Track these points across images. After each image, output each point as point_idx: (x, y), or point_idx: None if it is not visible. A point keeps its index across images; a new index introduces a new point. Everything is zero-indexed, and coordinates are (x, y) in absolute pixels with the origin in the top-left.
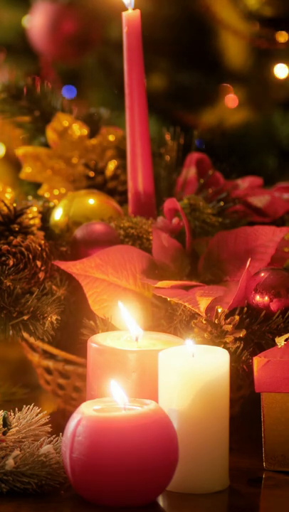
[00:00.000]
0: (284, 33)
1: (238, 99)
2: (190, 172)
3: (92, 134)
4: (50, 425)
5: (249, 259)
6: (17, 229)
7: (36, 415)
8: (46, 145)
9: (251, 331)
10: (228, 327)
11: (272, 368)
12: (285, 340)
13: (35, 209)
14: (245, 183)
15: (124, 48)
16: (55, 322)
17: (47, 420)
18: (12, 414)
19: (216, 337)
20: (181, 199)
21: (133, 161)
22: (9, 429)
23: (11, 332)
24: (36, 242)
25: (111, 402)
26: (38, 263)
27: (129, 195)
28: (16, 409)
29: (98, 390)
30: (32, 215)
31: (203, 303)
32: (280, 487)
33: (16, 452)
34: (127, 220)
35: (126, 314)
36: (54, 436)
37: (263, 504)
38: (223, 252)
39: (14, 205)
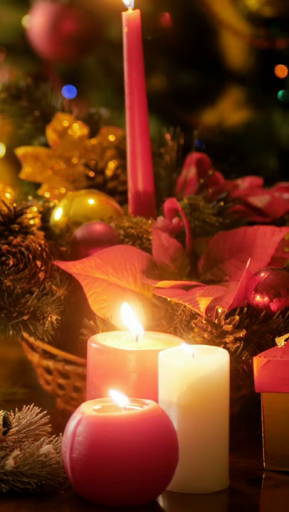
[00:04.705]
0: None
1: (238, 99)
2: (190, 172)
3: (92, 134)
4: (50, 425)
5: (249, 259)
6: (17, 229)
7: (36, 415)
8: (46, 145)
9: (251, 331)
10: (228, 327)
11: (272, 368)
12: (285, 340)
13: (35, 209)
14: (245, 183)
15: (124, 48)
16: (55, 322)
17: (47, 420)
18: (12, 414)
19: (216, 337)
20: (181, 199)
21: (133, 161)
22: (9, 429)
23: (11, 332)
24: (36, 242)
25: (111, 402)
26: (38, 263)
27: (129, 195)
28: (16, 409)
29: (98, 390)
30: (32, 215)
31: (203, 303)
32: (280, 487)
33: (16, 452)
34: (127, 220)
35: (127, 314)
36: (54, 436)
37: (263, 504)
38: (223, 252)
39: (14, 205)
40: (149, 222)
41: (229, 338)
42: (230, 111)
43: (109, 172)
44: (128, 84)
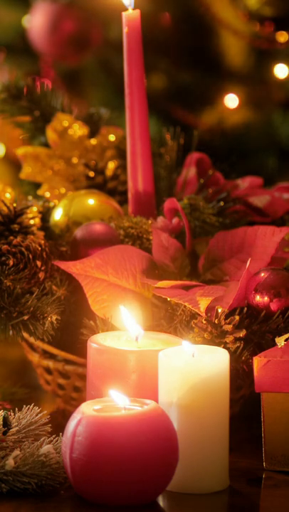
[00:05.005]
0: (284, 33)
1: (238, 99)
2: (190, 172)
3: (92, 134)
4: (50, 425)
5: (249, 259)
6: (17, 229)
7: (36, 415)
8: (46, 145)
9: (251, 331)
10: (228, 327)
11: (272, 368)
12: (285, 340)
13: (35, 209)
14: (245, 183)
15: (124, 48)
16: (55, 322)
17: (47, 420)
18: (12, 414)
19: (216, 337)
20: (181, 199)
21: (133, 161)
22: (9, 429)
23: (11, 332)
24: (36, 242)
25: (111, 402)
26: (38, 263)
27: (129, 195)
28: (16, 409)
29: (98, 390)
30: (32, 215)
31: (203, 303)
32: (280, 487)
33: (16, 452)
34: (127, 220)
35: (126, 314)
36: (54, 436)
37: (263, 504)
38: (223, 252)
39: (14, 205)
40: (149, 222)
41: (229, 338)
42: (230, 111)
43: (109, 172)
44: (128, 84)
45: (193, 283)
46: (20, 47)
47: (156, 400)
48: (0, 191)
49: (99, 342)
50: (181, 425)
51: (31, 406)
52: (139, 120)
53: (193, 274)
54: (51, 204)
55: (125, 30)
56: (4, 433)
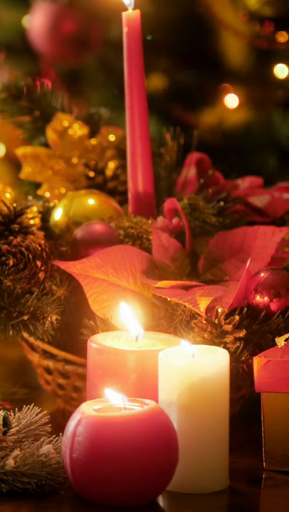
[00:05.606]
0: (284, 33)
1: (238, 99)
2: (190, 172)
3: (92, 134)
4: (50, 425)
5: (249, 259)
6: (17, 229)
7: (36, 415)
8: (46, 145)
9: (251, 331)
10: (228, 327)
11: (272, 368)
12: (285, 340)
13: (35, 209)
14: (245, 183)
15: (124, 48)
16: (55, 322)
17: (47, 420)
18: (12, 414)
19: (216, 337)
20: (181, 199)
21: (133, 161)
22: (9, 429)
23: (11, 332)
24: (36, 242)
25: (111, 402)
26: (38, 263)
27: (129, 195)
28: (16, 409)
29: (98, 390)
30: (32, 215)
31: (203, 303)
32: (280, 487)
33: (16, 452)
34: (127, 220)
35: (127, 314)
36: (54, 436)
37: (263, 504)
38: (223, 252)
39: (14, 205)
40: (149, 222)
41: (229, 338)
42: (230, 111)
43: (109, 172)
44: (128, 84)
45: (193, 283)
46: (20, 47)
47: (156, 400)
48: (0, 191)
49: (99, 342)
50: (181, 425)
51: (31, 406)
52: (139, 120)
53: (193, 274)
54: (51, 204)
55: (125, 30)
56: (4, 433)
